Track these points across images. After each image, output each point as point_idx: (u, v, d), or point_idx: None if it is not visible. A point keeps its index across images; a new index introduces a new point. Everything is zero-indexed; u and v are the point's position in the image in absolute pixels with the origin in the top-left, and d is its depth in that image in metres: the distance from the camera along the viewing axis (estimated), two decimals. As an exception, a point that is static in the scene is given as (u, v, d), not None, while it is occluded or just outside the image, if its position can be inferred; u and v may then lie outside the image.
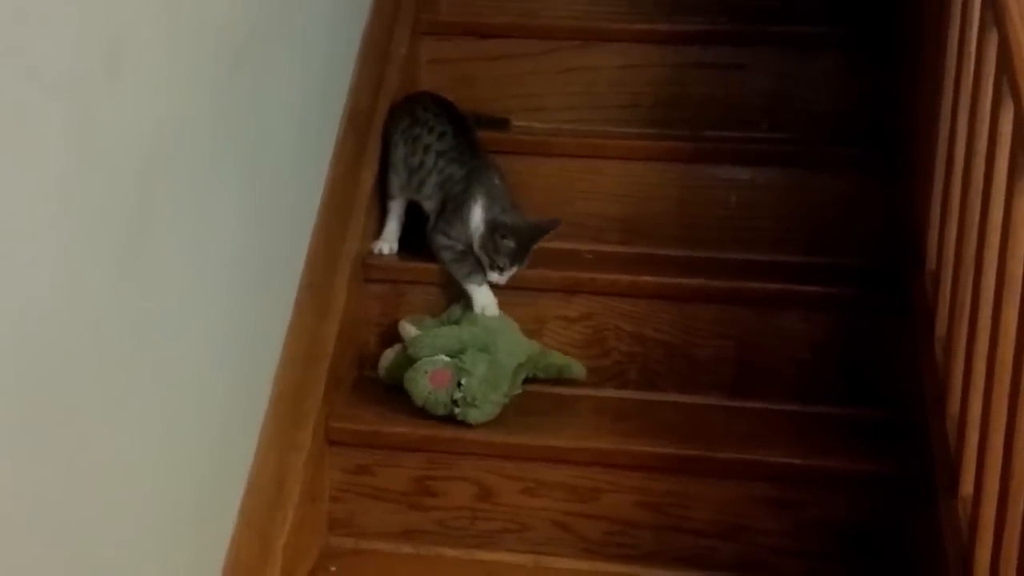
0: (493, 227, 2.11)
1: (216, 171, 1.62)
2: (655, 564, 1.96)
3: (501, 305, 2.14)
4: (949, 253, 1.80)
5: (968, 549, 1.55)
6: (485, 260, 2.12)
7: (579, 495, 1.98)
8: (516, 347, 2.10)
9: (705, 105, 2.46)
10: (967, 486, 1.61)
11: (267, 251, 1.85)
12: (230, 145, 1.67)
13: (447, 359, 2.02)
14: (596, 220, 2.34)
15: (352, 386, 2.17)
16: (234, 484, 1.75)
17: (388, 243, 2.27)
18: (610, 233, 2.34)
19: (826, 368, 2.12)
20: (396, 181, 2.27)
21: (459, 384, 1.99)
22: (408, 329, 2.12)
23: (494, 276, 2.12)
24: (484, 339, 2.05)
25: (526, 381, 2.13)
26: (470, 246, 2.15)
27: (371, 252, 2.25)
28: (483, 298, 2.13)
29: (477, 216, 2.14)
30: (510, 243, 2.10)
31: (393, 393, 2.09)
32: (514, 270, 2.12)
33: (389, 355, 2.16)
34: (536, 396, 2.13)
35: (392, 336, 2.18)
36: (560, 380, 2.15)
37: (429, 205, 2.24)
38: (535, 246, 2.13)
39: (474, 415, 1.99)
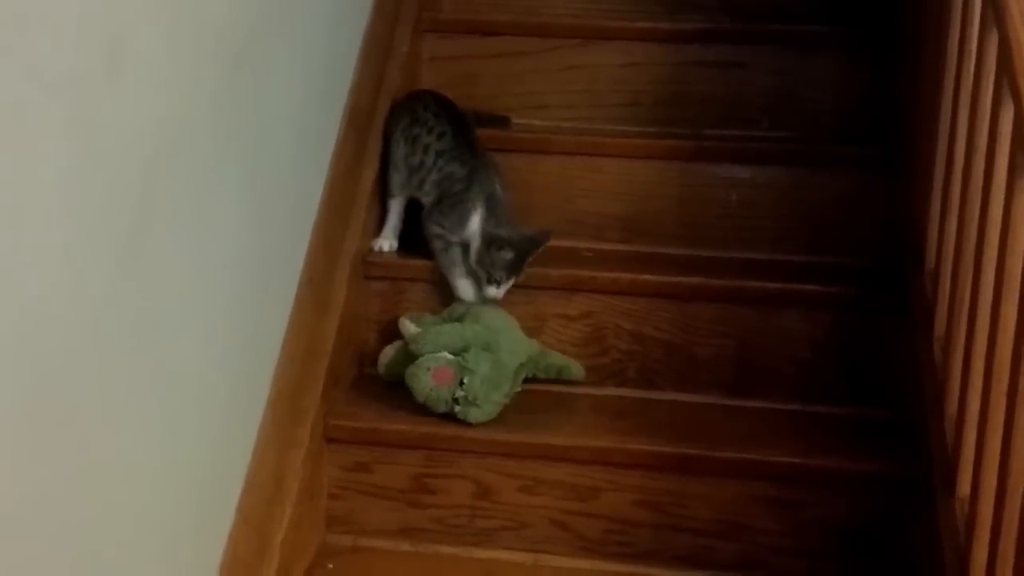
0: (490, 241, 2.11)
1: (216, 170, 1.63)
2: (654, 563, 1.96)
3: (501, 303, 2.14)
4: (948, 252, 1.80)
5: (965, 548, 1.56)
6: (482, 275, 2.12)
7: (578, 494, 1.98)
8: (518, 346, 2.10)
9: (706, 103, 2.46)
10: (964, 485, 1.62)
11: (267, 250, 1.85)
12: (230, 144, 1.68)
13: (450, 356, 2.02)
14: (596, 218, 2.34)
15: (351, 383, 2.17)
16: (232, 481, 1.75)
17: (388, 240, 2.27)
18: (610, 231, 2.34)
19: (826, 367, 2.12)
20: (397, 179, 2.28)
21: (461, 382, 1.99)
22: (408, 326, 2.12)
23: (491, 291, 2.12)
24: (487, 338, 2.05)
25: (525, 380, 2.13)
26: (464, 245, 2.15)
27: (371, 249, 2.25)
28: (465, 288, 2.16)
29: (475, 223, 2.15)
30: (507, 255, 2.10)
31: (392, 390, 2.09)
32: (510, 283, 2.13)
33: (389, 352, 2.16)
34: (535, 394, 2.13)
35: (392, 333, 2.18)
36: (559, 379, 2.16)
37: (428, 201, 2.24)
38: (530, 258, 2.13)
39: (475, 414, 2.00)
